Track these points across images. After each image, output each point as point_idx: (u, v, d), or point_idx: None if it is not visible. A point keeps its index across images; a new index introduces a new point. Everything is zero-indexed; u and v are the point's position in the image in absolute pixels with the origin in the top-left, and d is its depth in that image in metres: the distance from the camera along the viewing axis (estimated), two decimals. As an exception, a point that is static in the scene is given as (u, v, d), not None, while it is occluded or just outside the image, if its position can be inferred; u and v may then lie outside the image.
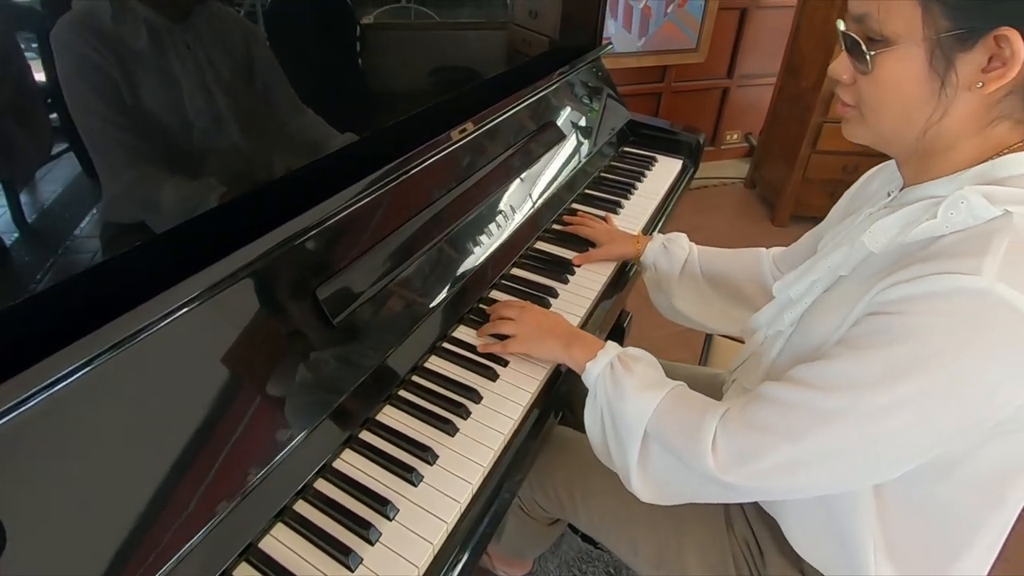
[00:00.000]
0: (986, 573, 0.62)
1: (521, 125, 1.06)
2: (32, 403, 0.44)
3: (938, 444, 0.49)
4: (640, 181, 1.24)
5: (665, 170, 1.30)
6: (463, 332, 0.80)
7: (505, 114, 1.01)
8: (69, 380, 0.46)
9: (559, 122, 1.16)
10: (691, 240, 0.95)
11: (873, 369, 0.47)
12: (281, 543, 0.56)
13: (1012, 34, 0.43)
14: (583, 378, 0.68)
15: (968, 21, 0.45)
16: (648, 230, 1.12)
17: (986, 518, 0.55)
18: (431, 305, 0.77)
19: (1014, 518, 0.58)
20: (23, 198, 0.50)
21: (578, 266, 0.95)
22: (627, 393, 0.62)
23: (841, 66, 0.52)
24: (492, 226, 0.91)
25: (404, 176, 0.79)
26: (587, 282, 0.93)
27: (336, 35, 0.80)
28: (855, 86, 0.52)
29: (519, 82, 1.08)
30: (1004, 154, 0.49)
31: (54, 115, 0.50)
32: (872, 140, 0.54)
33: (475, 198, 0.90)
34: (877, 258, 0.54)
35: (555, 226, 1.06)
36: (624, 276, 0.98)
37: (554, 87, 1.16)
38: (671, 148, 1.37)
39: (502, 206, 0.95)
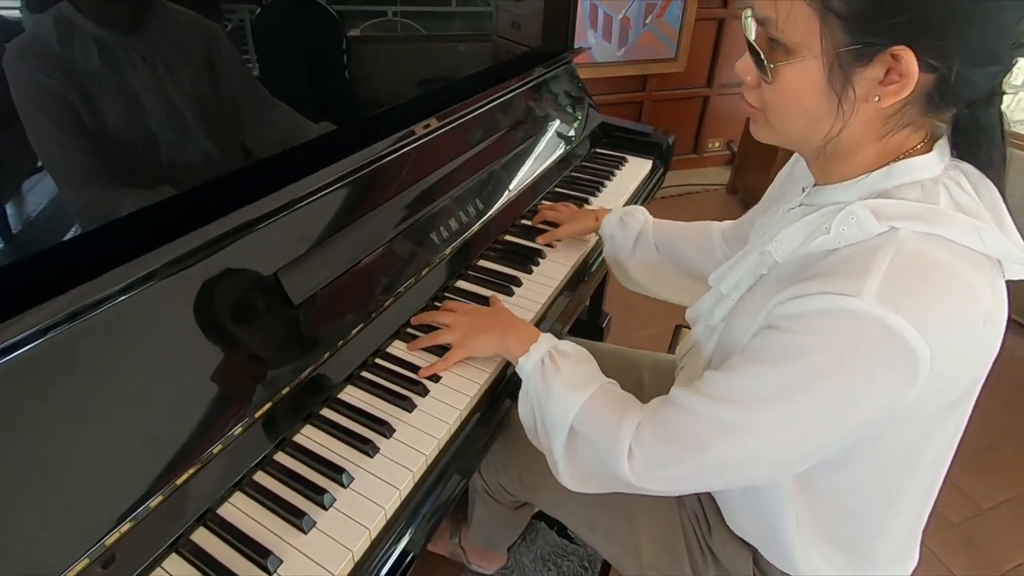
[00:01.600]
0: (916, 546, 0.67)
1: (491, 124, 1.12)
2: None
3: (831, 446, 0.52)
4: (610, 179, 1.30)
5: (635, 170, 1.36)
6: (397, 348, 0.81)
7: (473, 112, 1.06)
8: (36, 342, 0.50)
9: (529, 122, 1.22)
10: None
11: (765, 385, 0.51)
12: (239, 509, 0.59)
13: (906, 52, 0.44)
14: (517, 371, 0.70)
15: (864, 37, 0.46)
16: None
17: (898, 496, 0.59)
18: (397, 291, 0.81)
19: (931, 492, 0.62)
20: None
21: (546, 245, 1.01)
22: (554, 391, 0.64)
23: (746, 66, 0.53)
24: (457, 220, 0.96)
25: (369, 168, 0.83)
26: (550, 272, 0.97)
27: (323, 47, 0.85)
28: (759, 89, 0.53)
29: (492, 84, 1.13)
30: (901, 159, 0.52)
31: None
32: (778, 142, 0.56)
33: (440, 192, 0.95)
34: (786, 264, 0.57)
35: (523, 221, 1.11)
36: (586, 270, 1.03)
37: (524, 88, 1.22)
38: (642, 149, 1.43)
39: (468, 201, 1.00)
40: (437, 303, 0.88)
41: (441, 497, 0.64)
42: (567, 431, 0.63)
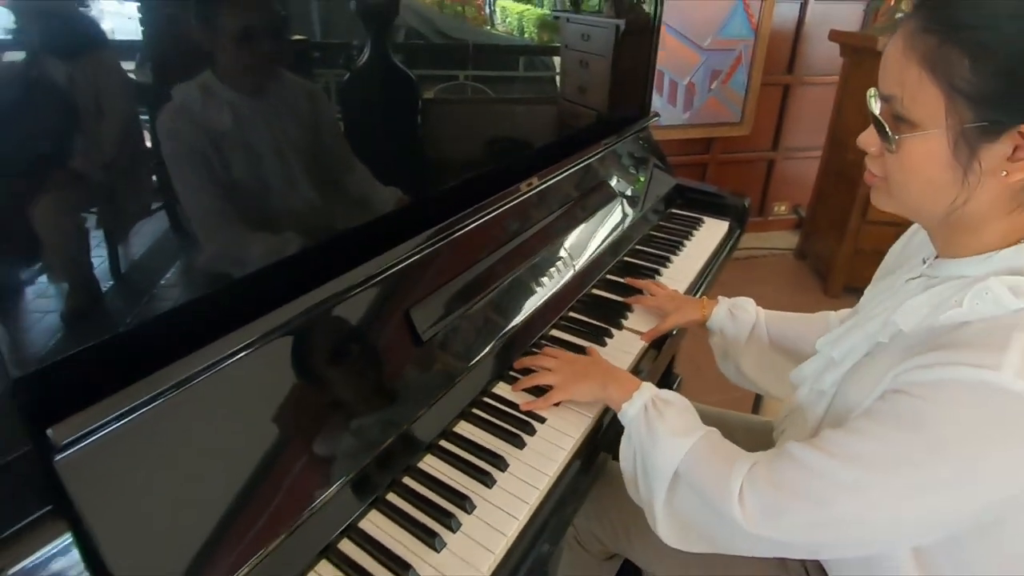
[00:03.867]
0: None
1: (569, 190, 1.21)
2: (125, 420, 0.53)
3: (959, 522, 0.54)
4: (689, 239, 1.37)
5: (713, 230, 1.43)
6: (502, 389, 0.87)
7: (553, 179, 1.15)
8: (195, 381, 0.58)
9: (606, 187, 1.32)
10: None
11: (892, 451, 0.53)
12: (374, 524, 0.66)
13: None
14: (619, 417, 0.73)
15: (992, 115, 0.49)
16: (696, 286, 1.24)
17: None
18: (474, 361, 0.85)
19: None
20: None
21: (647, 343, 0.99)
22: (659, 437, 0.67)
23: (870, 139, 0.58)
24: (539, 284, 1.01)
25: (452, 235, 0.89)
26: (626, 346, 0.99)
27: (401, 108, 0.95)
28: (882, 159, 0.58)
29: (568, 152, 1.23)
30: None
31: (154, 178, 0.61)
32: (899, 211, 0.60)
33: (520, 259, 1.01)
34: (910, 334, 0.59)
35: (608, 276, 1.18)
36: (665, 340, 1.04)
37: (601, 154, 1.33)
38: (718, 211, 1.51)
39: (548, 266, 1.05)
40: (515, 373, 0.91)
41: (545, 539, 0.68)
42: (671, 476, 0.65)
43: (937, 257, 0.63)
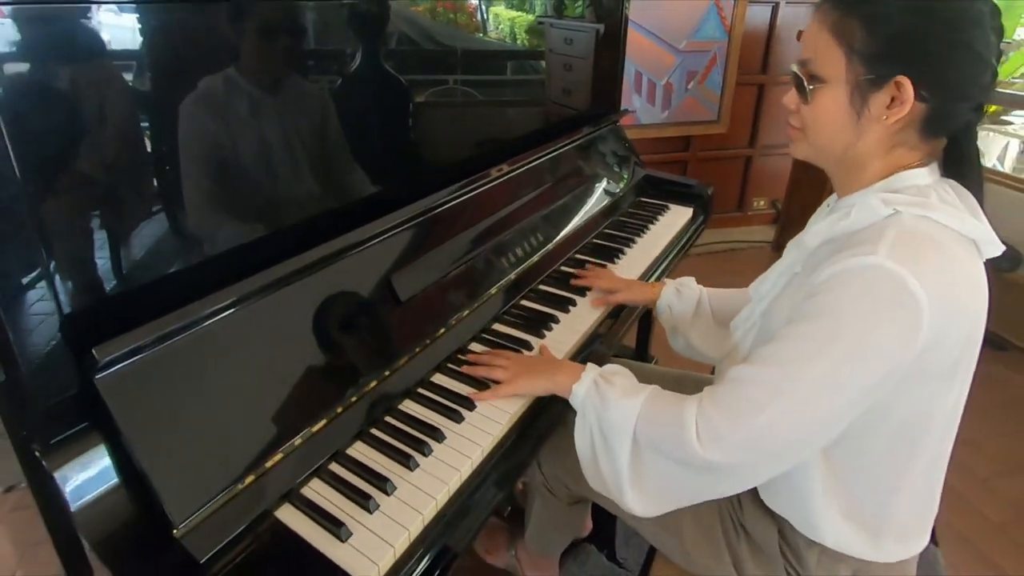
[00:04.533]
0: (927, 529, 0.79)
1: (542, 179, 1.33)
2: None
3: (868, 395, 0.65)
4: (654, 223, 1.50)
5: (677, 216, 1.56)
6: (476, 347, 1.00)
7: (524, 167, 1.27)
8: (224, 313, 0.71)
9: (577, 175, 1.45)
10: None
11: (804, 342, 0.64)
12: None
13: (905, 81, 0.64)
14: (571, 401, 0.81)
15: (877, 70, 0.65)
16: (659, 263, 1.36)
17: (907, 463, 0.72)
18: (449, 321, 0.98)
19: (939, 465, 0.76)
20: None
21: (599, 307, 1.11)
22: (611, 402, 0.75)
23: (789, 97, 0.74)
24: (514, 255, 1.15)
25: (430, 214, 1.02)
26: (585, 314, 1.11)
27: (393, 110, 1.07)
28: (799, 113, 0.73)
29: (542, 145, 1.35)
30: (900, 172, 0.70)
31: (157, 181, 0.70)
32: (810, 156, 0.75)
33: (493, 237, 1.12)
34: (817, 254, 0.73)
35: (577, 255, 1.31)
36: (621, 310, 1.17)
37: (575, 144, 1.46)
38: (684, 199, 1.64)
39: (520, 244, 1.18)
40: (486, 335, 1.05)
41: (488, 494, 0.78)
42: (631, 440, 0.72)
43: (837, 199, 0.78)
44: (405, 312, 0.93)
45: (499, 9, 1.40)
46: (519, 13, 1.39)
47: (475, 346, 1.01)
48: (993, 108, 3.81)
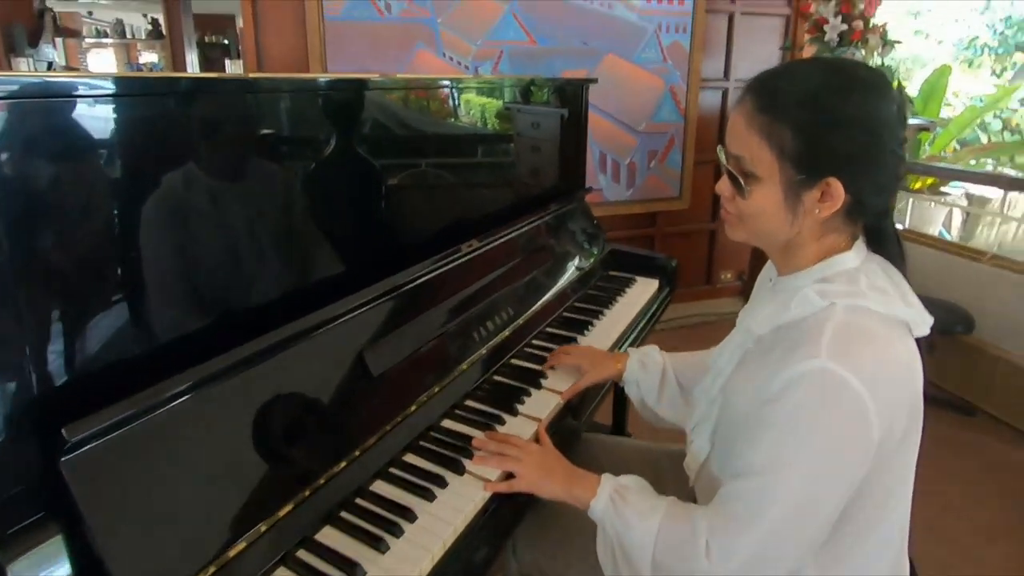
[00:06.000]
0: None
1: (511, 254, 1.38)
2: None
3: (848, 490, 0.70)
4: (621, 295, 1.57)
5: (643, 288, 1.63)
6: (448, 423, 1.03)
7: (493, 244, 1.32)
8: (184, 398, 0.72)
9: (547, 250, 1.52)
10: None
11: (777, 451, 0.69)
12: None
13: (834, 181, 0.71)
14: (589, 513, 0.83)
15: (808, 172, 0.72)
16: (628, 334, 1.41)
17: (875, 543, 0.78)
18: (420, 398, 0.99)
19: (903, 533, 0.82)
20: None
21: (568, 401, 1.11)
22: (630, 523, 0.77)
23: (724, 186, 0.79)
24: (478, 335, 1.16)
25: (401, 290, 1.04)
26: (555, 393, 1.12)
27: (365, 193, 1.12)
28: (735, 201, 0.78)
29: (513, 223, 1.42)
30: (832, 256, 0.77)
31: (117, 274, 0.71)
32: (747, 240, 0.81)
33: (463, 313, 1.15)
34: (766, 340, 0.79)
35: (548, 329, 1.35)
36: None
37: (541, 222, 1.54)
38: (650, 271, 1.72)
39: (489, 320, 1.21)
40: (460, 412, 1.07)
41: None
42: (651, 563, 0.75)
43: (779, 275, 0.84)
44: (375, 390, 0.94)
45: (470, 96, 1.52)
46: (489, 99, 1.51)
47: (448, 423, 1.02)
48: (931, 180, 4.16)
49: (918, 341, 0.75)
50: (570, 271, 1.54)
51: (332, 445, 0.85)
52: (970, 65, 8.96)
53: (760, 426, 0.72)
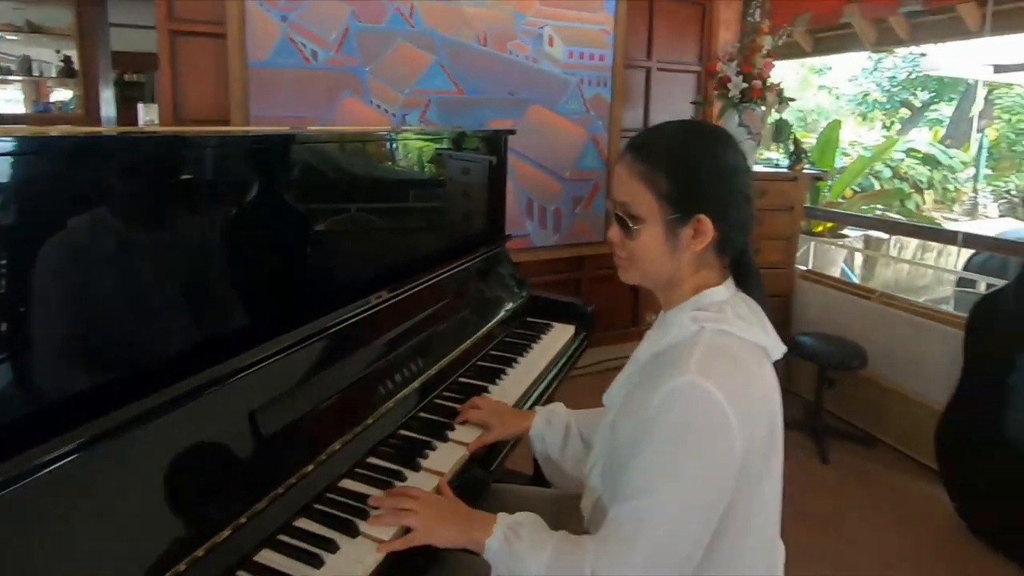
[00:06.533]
0: None
1: (422, 304, 1.35)
2: None
3: (718, 501, 0.75)
4: (537, 342, 1.58)
5: (560, 333, 1.65)
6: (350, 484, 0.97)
7: (404, 294, 1.30)
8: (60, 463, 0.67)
9: (462, 300, 1.52)
10: None
11: (652, 471, 0.74)
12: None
13: (704, 218, 0.82)
14: (484, 556, 0.82)
15: (682, 210, 0.82)
16: (542, 381, 1.42)
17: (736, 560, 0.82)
18: (320, 458, 0.94)
19: (768, 555, 0.87)
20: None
21: (473, 452, 1.09)
22: (521, 559, 0.79)
23: (614, 233, 0.87)
24: (384, 388, 1.12)
25: (307, 344, 1.01)
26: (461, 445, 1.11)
27: (287, 239, 1.11)
28: (625, 244, 0.86)
29: (432, 271, 1.42)
30: (705, 290, 0.85)
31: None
32: (639, 280, 0.88)
33: (375, 363, 1.13)
34: (647, 367, 0.86)
35: (446, 393, 1.30)
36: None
37: (455, 272, 1.53)
38: (568, 317, 1.75)
39: (398, 372, 1.17)
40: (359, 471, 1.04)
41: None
42: None
43: (663, 311, 0.91)
44: (269, 450, 0.90)
45: (409, 139, 1.53)
46: (426, 143, 1.52)
47: (346, 483, 0.98)
48: (830, 224, 4.49)
49: (776, 366, 0.85)
50: (487, 319, 1.54)
51: (216, 511, 0.80)
52: (864, 119, 9.86)
53: (637, 446, 0.76)
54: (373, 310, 1.21)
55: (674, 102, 3.27)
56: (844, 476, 2.30)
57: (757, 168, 2.88)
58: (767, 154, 3.03)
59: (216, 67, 2.13)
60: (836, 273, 4.28)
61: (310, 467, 0.93)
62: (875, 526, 2.03)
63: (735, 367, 0.78)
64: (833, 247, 4.40)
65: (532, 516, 0.86)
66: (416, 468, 1.03)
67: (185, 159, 0.92)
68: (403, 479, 0.99)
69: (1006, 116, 8.82)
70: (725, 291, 0.86)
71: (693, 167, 0.83)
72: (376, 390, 1.12)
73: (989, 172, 8.08)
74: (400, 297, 1.30)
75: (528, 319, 1.74)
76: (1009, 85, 8.23)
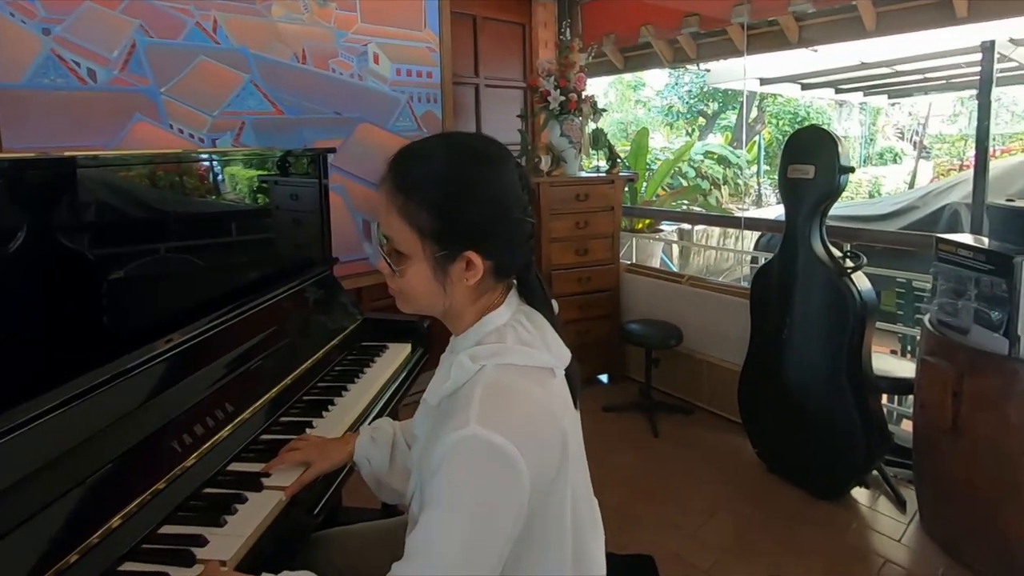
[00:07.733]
0: None
1: (236, 340, 1.22)
2: None
3: (506, 546, 0.68)
4: (370, 366, 1.49)
5: (395, 353, 1.58)
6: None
7: (213, 330, 1.17)
8: None
9: (284, 331, 1.38)
10: None
11: (437, 528, 0.66)
12: None
13: (472, 254, 0.74)
14: None
15: (448, 248, 0.74)
16: (377, 404, 1.34)
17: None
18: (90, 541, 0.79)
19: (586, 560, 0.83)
20: None
21: (290, 497, 0.98)
22: None
23: (383, 265, 0.79)
24: (176, 452, 0.96)
25: (80, 400, 0.88)
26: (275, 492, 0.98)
27: (70, 291, 0.94)
28: (394, 279, 0.78)
29: (253, 302, 1.29)
30: (485, 316, 0.79)
31: None
32: (416, 311, 0.80)
33: (159, 420, 0.98)
34: (441, 407, 0.77)
35: (264, 436, 1.17)
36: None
37: (273, 303, 1.40)
38: (403, 336, 1.68)
39: (189, 431, 1.01)
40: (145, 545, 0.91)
41: None
42: None
43: (453, 337, 0.84)
44: (34, 532, 0.72)
45: (236, 169, 1.35)
46: (253, 171, 1.36)
47: (127, 565, 0.83)
48: (648, 221, 4.93)
49: (568, 376, 0.80)
50: (314, 349, 1.43)
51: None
52: (671, 128, 11.03)
53: (425, 501, 0.69)
54: (174, 351, 1.06)
55: (504, 116, 3.34)
56: (672, 445, 2.50)
57: (583, 175, 3.02)
58: (595, 162, 3.19)
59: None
60: (656, 264, 4.70)
61: (73, 557, 0.77)
62: (699, 482, 2.23)
63: (519, 405, 0.71)
64: (652, 241, 4.81)
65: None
66: (221, 524, 0.90)
67: None
68: (203, 544, 0.86)
69: (774, 121, 10.39)
70: (507, 310, 0.80)
71: (456, 202, 0.74)
72: (172, 450, 0.97)
73: (767, 168, 9.43)
74: (203, 336, 1.15)
75: (363, 344, 1.64)
76: (774, 95, 9.67)
